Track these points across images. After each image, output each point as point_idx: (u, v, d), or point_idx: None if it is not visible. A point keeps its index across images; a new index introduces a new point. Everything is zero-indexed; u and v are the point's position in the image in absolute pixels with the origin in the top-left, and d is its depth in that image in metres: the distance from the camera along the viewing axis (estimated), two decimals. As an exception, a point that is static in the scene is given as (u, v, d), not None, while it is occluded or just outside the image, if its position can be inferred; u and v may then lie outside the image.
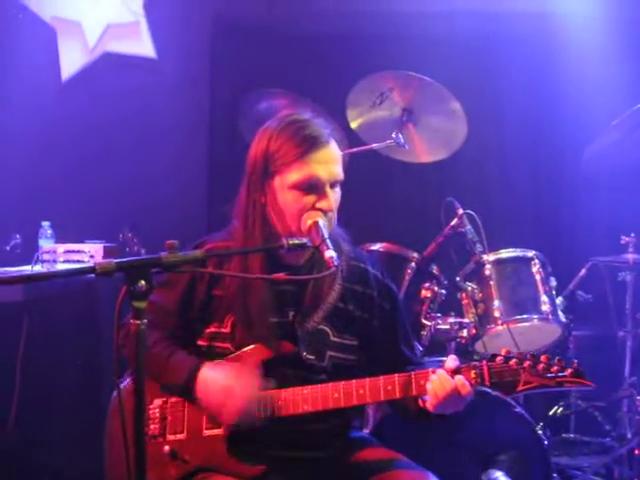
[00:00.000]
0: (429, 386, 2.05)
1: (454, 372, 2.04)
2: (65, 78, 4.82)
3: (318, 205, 2.12)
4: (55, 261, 3.80)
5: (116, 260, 1.71)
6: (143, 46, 4.81)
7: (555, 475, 3.42)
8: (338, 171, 2.16)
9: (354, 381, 2.10)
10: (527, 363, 2.01)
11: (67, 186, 4.58)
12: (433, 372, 2.06)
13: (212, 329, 2.23)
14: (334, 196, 2.15)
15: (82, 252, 3.80)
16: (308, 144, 2.12)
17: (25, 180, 4.51)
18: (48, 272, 1.81)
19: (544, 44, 4.58)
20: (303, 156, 2.11)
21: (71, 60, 4.82)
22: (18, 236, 4.07)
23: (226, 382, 2.11)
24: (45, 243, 4.02)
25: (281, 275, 1.98)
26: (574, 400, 4.26)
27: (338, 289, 2.21)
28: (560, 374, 1.99)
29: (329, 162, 2.14)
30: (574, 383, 2.01)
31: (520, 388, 2.01)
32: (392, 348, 2.32)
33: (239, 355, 2.18)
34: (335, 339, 2.22)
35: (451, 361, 2.08)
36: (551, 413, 4.24)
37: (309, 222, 2.09)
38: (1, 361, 3.39)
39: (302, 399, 2.11)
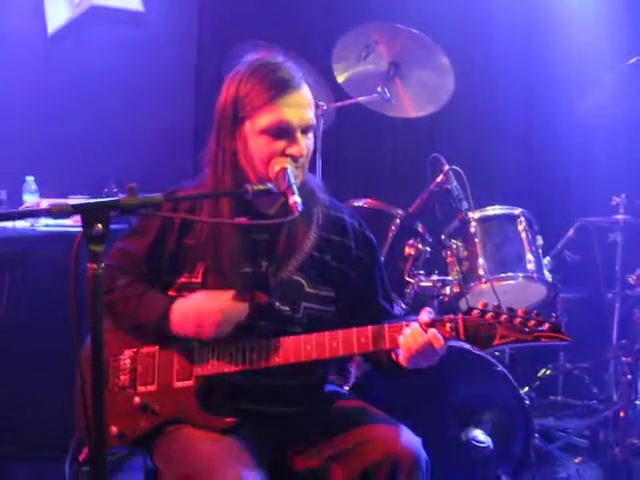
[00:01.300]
0: (401, 339, 2.00)
1: (428, 325, 1.99)
2: (51, 32, 4.75)
3: (288, 151, 2.06)
4: (38, 217, 3.75)
5: (71, 202, 1.67)
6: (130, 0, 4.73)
7: (536, 435, 3.42)
8: (309, 116, 2.10)
9: (327, 333, 2.05)
10: (503, 317, 1.96)
11: (52, 140, 4.52)
12: (407, 325, 2.01)
13: (183, 279, 2.17)
14: (305, 142, 2.09)
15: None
16: (278, 87, 2.06)
17: (9, 134, 4.46)
18: (9, 212, 1.77)
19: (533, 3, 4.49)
20: (273, 100, 2.05)
21: (57, 14, 4.74)
22: (3, 192, 4.02)
23: (199, 303, 2.08)
24: (29, 198, 3.99)
25: (243, 219, 1.93)
26: (562, 363, 4.25)
27: (313, 238, 2.16)
28: (538, 328, 1.94)
29: (300, 106, 2.08)
30: (551, 338, 1.95)
31: (496, 342, 1.96)
32: (369, 300, 2.27)
33: None
34: (310, 290, 2.18)
35: (425, 314, 2.02)
36: (539, 375, 4.24)
37: (276, 168, 2.04)
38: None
39: (274, 351, 2.07)
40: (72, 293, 1.70)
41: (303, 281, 2.17)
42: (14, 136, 4.49)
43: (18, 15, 4.61)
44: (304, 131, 2.09)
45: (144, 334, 2.18)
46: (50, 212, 1.68)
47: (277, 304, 2.14)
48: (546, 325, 1.95)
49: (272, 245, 2.15)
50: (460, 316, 1.99)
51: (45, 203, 3.88)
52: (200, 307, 2.07)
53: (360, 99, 3.50)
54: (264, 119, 2.05)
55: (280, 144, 2.06)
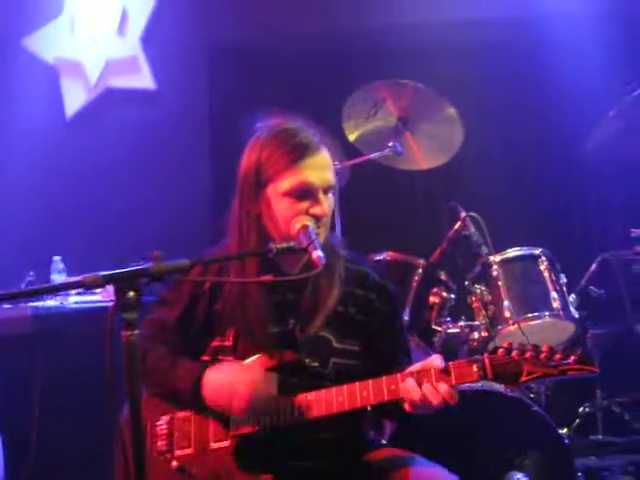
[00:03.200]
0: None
1: (442, 372, 2.00)
2: (69, 116, 4.92)
3: (312, 211, 2.12)
4: (68, 294, 3.82)
5: (102, 273, 1.72)
6: (142, 79, 4.90)
7: (580, 474, 3.37)
8: (330, 177, 2.17)
9: (357, 383, 2.07)
10: (529, 353, 1.97)
11: (76, 220, 4.65)
12: (402, 380, 2.02)
13: (216, 343, 2.22)
14: (327, 202, 2.15)
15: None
16: (299, 151, 2.13)
17: (35, 217, 4.59)
18: (41, 287, 1.83)
19: (535, 45, 4.58)
20: (295, 163, 2.12)
21: (74, 98, 4.93)
22: (32, 273, 4.10)
23: (231, 376, 2.10)
24: (57, 277, 4.06)
25: (269, 277, 1.98)
26: (599, 400, 4.20)
27: (337, 293, 2.20)
28: (563, 362, 1.95)
29: (321, 168, 2.15)
30: (579, 370, 1.95)
31: (523, 378, 1.97)
32: (390, 353, 2.29)
33: None
34: (337, 345, 2.21)
35: (436, 361, 2.02)
36: (577, 414, 4.19)
37: (297, 226, 2.09)
38: (18, 395, 3.42)
39: (307, 405, 2.09)
40: (108, 360, 1.74)
41: (330, 336, 2.20)
42: (39, 217, 4.61)
43: (37, 100, 4.79)
44: (325, 191, 2.15)
45: (178, 403, 2.22)
46: (82, 284, 1.74)
47: (307, 360, 2.16)
48: (572, 358, 1.95)
49: (297, 303, 2.19)
50: (486, 356, 2.00)
51: (73, 282, 3.94)
52: (232, 381, 2.09)
53: (373, 155, 3.57)
54: (287, 182, 2.12)
55: (303, 205, 2.12)
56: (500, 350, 2.00)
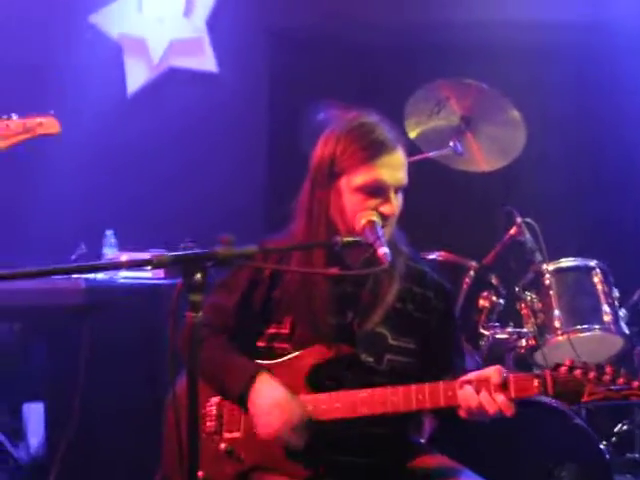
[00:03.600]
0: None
1: (500, 386, 1.99)
2: (130, 93, 4.97)
3: (381, 209, 2.12)
4: (119, 269, 3.86)
5: (171, 253, 1.75)
6: (205, 61, 4.93)
7: (618, 491, 3.34)
8: (403, 177, 2.17)
9: (413, 386, 2.07)
10: (592, 374, 1.96)
11: (130, 196, 4.70)
12: (460, 387, 2.03)
13: (272, 330, 2.23)
14: (397, 201, 2.16)
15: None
16: (375, 148, 2.13)
17: (90, 189, 4.66)
18: (108, 262, 1.86)
19: (603, 51, 4.52)
20: (370, 160, 2.12)
21: (136, 76, 4.97)
22: (83, 245, 4.16)
23: (277, 398, 2.10)
24: (109, 251, 4.11)
25: (335, 270, 1.99)
26: (638, 418, 4.15)
27: (396, 289, 2.19)
28: (627, 386, 1.95)
29: (395, 167, 2.15)
30: None
31: (585, 399, 1.97)
32: (444, 353, 2.29)
33: (298, 355, 2.17)
34: (393, 342, 2.20)
35: (496, 372, 2.02)
36: (615, 431, 4.14)
37: (363, 221, 2.10)
38: (64, 365, 3.48)
39: (361, 402, 2.09)
40: (170, 339, 1.77)
41: (387, 333, 2.20)
42: (94, 191, 4.68)
43: (100, 75, 4.85)
44: (396, 191, 2.16)
45: (222, 394, 2.23)
46: (152, 263, 1.76)
47: (363, 355, 2.17)
48: (635, 383, 1.94)
49: (357, 297, 2.20)
50: (548, 372, 2.00)
51: (124, 257, 4.00)
52: (276, 403, 2.08)
53: (433, 154, 3.56)
54: (360, 177, 2.12)
55: (373, 202, 2.12)
56: (563, 368, 1.99)
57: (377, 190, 2.12)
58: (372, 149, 2.12)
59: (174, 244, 4.13)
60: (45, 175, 4.55)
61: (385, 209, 2.12)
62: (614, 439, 4.04)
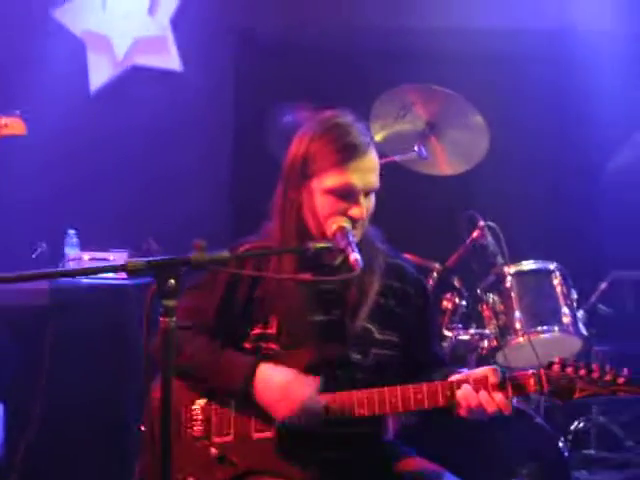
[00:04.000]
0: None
1: (498, 386, 2.04)
2: (93, 90, 4.92)
3: (350, 212, 2.13)
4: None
5: (145, 259, 1.75)
6: (170, 60, 4.90)
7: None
8: (374, 180, 2.17)
9: (410, 386, 2.09)
10: (582, 371, 2.03)
11: (93, 195, 4.65)
12: (458, 386, 2.06)
13: (257, 330, 2.20)
14: (367, 204, 2.16)
15: (107, 260, 3.86)
16: (348, 152, 2.12)
17: (52, 188, 4.60)
18: (79, 269, 1.85)
19: (565, 59, 4.62)
20: (342, 163, 2.11)
21: (99, 73, 4.92)
22: (44, 244, 4.12)
23: (285, 380, 2.09)
24: (71, 251, 4.07)
25: (307, 275, 2.01)
26: (595, 416, 4.25)
27: (378, 285, 2.22)
28: (614, 382, 2.02)
29: (367, 171, 2.14)
30: (628, 392, 2.03)
31: (577, 395, 2.04)
32: (425, 346, 2.34)
33: (289, 356, 2.15)
34: (379, 336, 2.22)
35: (492, 371, 2.06)
36: (572, 428, 4.24)
37: (334, 227, 2.11)
38: (26, 366, 3.45)
39: (358, 403, 2.09)
40: (145, 344, 1.78)
41: (373, 328, 2.22)
42: (56, 190, 4.62)
43: (62, 73, 4.77)
44: (367, 194, 2.16)
45: (222, 394, 2.20)
46: (126, 269, 1.76)
47: (353, 354, 2.18)
48: (621, 379, 2.01)
49: (342, 294, 2.20)
50: (542, 370, 2.05)
51: (87, 256, 3.97)
52: (286, 384, 2.08)
53: (397, 157, 3.59)
54: (330, 180, 2.12)
55: (343, 205, 2.13)
56: (555, 366, 2.06)
57: (347, 194, 2.13)
58: (344, 152, 2.12)
59: (137, 243, 4.16)
60: (6, 173, 4.48)
61: (354, 212, 2.13)
62: (571, 436, 4.15)
